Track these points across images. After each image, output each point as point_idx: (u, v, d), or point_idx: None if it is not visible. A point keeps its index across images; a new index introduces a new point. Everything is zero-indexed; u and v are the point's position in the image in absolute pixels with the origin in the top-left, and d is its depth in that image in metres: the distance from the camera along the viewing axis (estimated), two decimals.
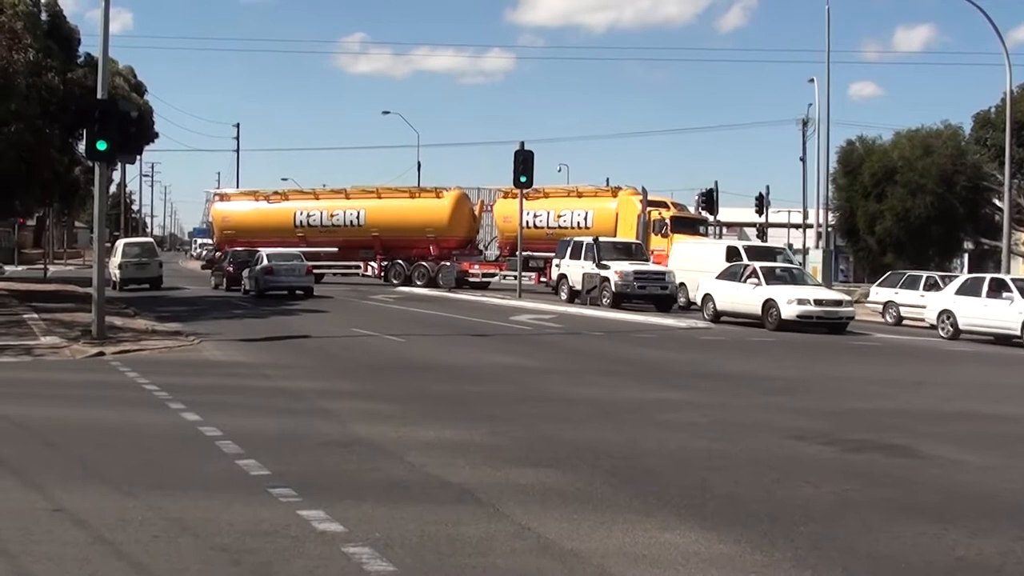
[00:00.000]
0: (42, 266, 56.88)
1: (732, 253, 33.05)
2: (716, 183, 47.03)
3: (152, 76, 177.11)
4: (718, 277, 30.34)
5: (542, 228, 44.57)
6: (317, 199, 51.19)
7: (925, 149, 42.35)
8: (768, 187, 76.93)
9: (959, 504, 8.39)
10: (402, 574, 6.18)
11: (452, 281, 45.10)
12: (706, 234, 43.81)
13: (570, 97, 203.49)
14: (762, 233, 56.54)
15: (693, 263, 34.35)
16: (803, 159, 57.94)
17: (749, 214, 58.97)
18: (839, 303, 27.96)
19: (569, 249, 37.31)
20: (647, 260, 36.74)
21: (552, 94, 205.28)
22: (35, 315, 25.65)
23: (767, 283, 28.21)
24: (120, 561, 6.37)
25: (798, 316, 26.82)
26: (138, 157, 71.97)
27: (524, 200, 40.02)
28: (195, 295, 40.30)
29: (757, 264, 29.59)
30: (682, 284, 34.68)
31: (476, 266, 47.32)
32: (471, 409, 12.83)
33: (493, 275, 46.88)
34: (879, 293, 33.82)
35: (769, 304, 27.55)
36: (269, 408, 12.68)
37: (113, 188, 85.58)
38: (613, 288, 33.90)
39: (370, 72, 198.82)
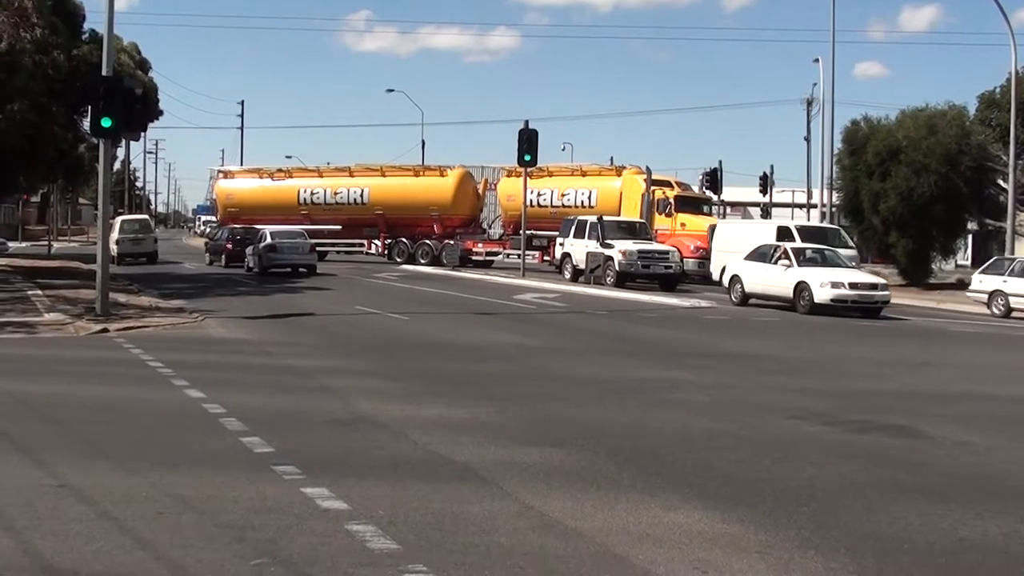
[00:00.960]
0: (46, 243, 56.95)
1: (784, 234, 31.63)
2: (720, 162, 46.75)
3: (157, 53, 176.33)
4: (747, 258, 29.41)
5: (546, 207, 44.48)
6: (321, 177, 51.10)
7: (929, 129, 42.09)
8: (772, 167, 76.68)
9: (963, 485, 8.39)
10: (405, 552, 6.19)
11: (456, 259, 45.09)
12: (710, 213, 43.70)
13: (575, 76, 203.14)
14: (766, 212, 56.43)
15: (739, 245, 32.20)
16: (807, 139, 57.89)
17: (753, 193, 58.86)
18: (874, 287, 26.80)
19: (573, 228, 37.15)
20: (651, 239, 36.55)
21: (557, 73, 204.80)
22: (39, 292, 25.66)
23: (799, 265, 27.15)
24: (125, 537, 6.38)
25: (832, 300, 25.81)
26: (142, 134, 72.45)
27: (528, 179, 39.89)
28: (198, 272, 40.34)
29: (788, 244, 28.70)
30: (725, 268, 32.94)
31: (480, 244, 47.31)
32: (475, 387, 12.84)
33: (497, 254, 46.83)
34: (983, 281, 30.62)
35: (801, 287, 26.46)
36: (273, 386, 12.70)
37: (117, 165, 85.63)
38: (617, 267, 33.81)
39: (375, 50, 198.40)
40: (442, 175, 48.09)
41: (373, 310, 23.62)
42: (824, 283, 26.10)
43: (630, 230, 36.32)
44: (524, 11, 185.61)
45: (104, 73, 20.64)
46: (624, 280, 33.64)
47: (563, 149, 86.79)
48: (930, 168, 40.75)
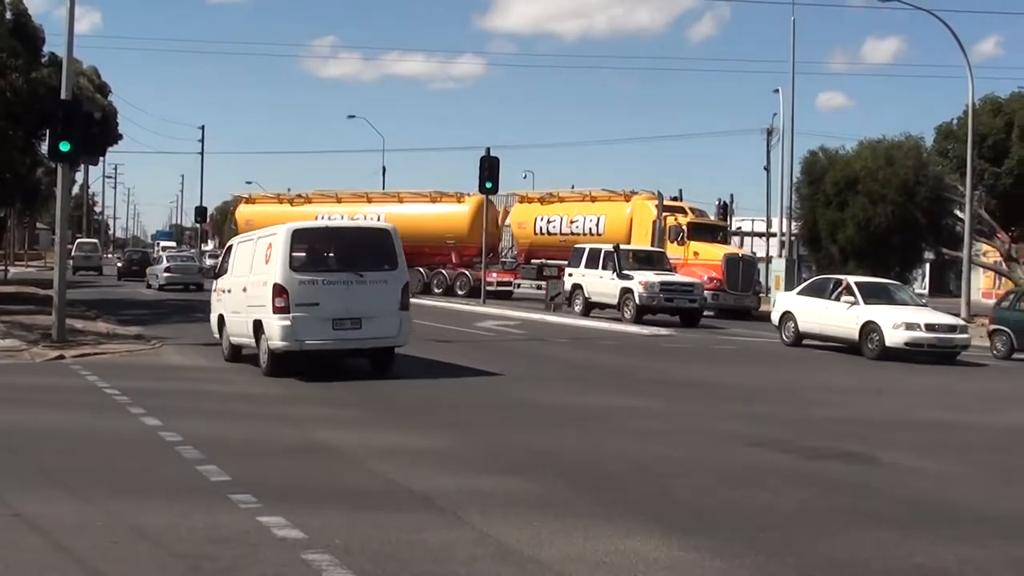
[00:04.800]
0: (2, 268, 56.28)
1: None
2: (732, 196, 46.63)
3: (117, 77, 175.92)
4: (800, 292, 26.65)
5: (555, 234, 42.81)
6: (339, 202, 50.00)
7: (887, 159, 42.63)
8: (732, 195, 77.49)
9: (919, 511, 8.47)
10: None
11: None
12: (726, 242, 41.75)
13: (540, 104, 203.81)
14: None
15: None
16: (767, 168, 58.38)
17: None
18: (953, 328, 23.51)
19: (585, 257, 33.88)
20: (672, 271, 33.53)
21: (521, 101, 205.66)
22: None
23: (865, 302, 23.85)
24: (79, 568, 6.32)
25: (906, 343, 22.69)
26: (101, 159, 71.91)
27: (540, 204, 40.92)
28: (156, 298, 40.03)
29: (852, 279, 25.43)
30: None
31: (494, 274, 44.39)
32: (432, 415, 12.82)
33: (510, 283, 44.94)
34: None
35: (870, 328, 23.21)
36: (230, 413, 12.62)
37: (76, 190, 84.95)
38: (637, 301, 30.97)
39: (339, 76, 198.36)
40: (459, 201, 45.95)
41: None
42: (897, 324, 22.96)
43: (647, 260, 33.59)
44: (489, 39, 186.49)
45: (63, 97, 20.52)
46: (644, 314, 31.03)
47: (524, 177, 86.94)
48: (887, 198, 41.24)
